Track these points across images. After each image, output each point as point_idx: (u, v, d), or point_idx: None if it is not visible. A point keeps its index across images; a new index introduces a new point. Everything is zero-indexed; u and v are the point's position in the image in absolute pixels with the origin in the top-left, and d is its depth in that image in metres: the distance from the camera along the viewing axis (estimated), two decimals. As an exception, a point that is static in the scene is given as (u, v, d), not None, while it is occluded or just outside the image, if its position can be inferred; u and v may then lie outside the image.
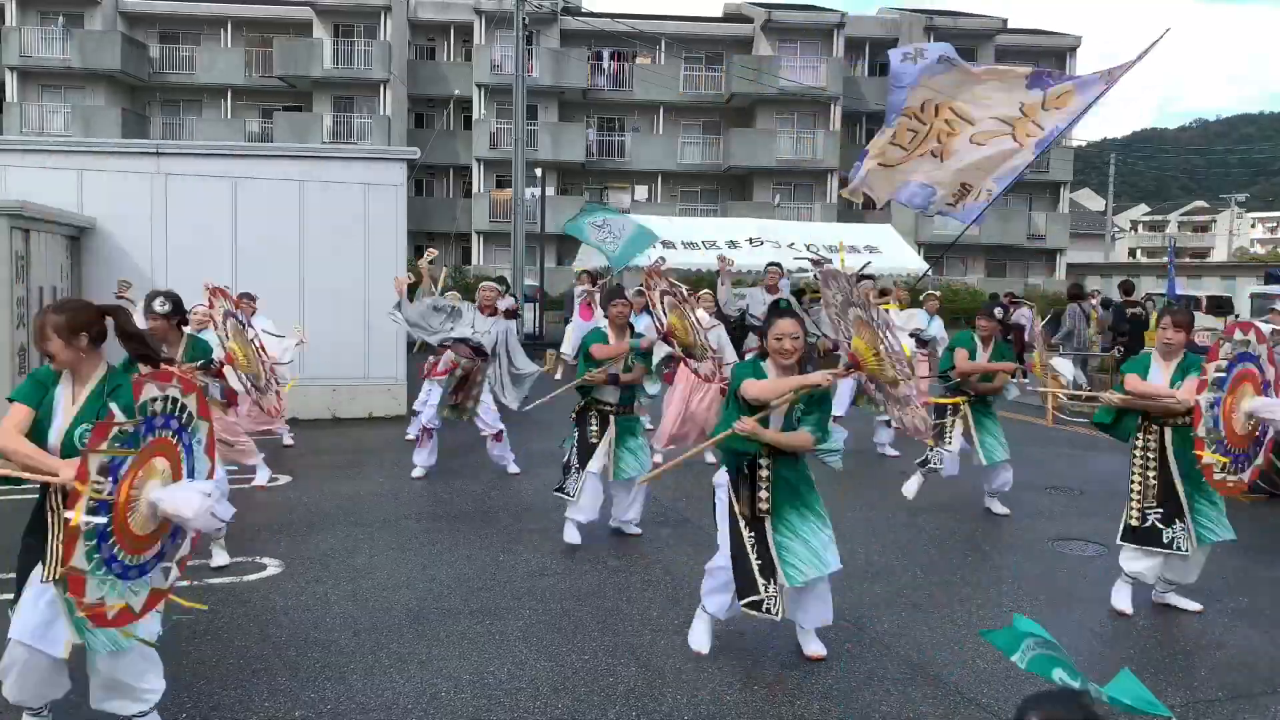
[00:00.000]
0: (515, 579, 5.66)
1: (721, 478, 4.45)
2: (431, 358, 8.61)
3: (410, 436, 10.26)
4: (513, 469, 8.70)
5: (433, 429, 8.52)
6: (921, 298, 12.04)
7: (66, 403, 3.35)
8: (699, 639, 4.58)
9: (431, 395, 8.63)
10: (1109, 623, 5.11)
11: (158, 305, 5.46)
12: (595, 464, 6.23)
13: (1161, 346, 5.21)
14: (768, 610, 4.18)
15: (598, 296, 16.59)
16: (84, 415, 3.30)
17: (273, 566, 5.84)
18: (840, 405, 9.83)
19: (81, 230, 10.65)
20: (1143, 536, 5.12)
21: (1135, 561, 5.19)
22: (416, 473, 8.48)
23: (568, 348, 16.26)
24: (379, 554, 6.16)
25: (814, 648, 4.50)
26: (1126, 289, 14.24)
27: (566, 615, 5.06)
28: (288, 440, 9.83)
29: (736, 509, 4.30)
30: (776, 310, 4.44)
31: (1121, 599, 5.27)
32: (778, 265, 11.50)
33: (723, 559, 4.37)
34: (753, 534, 4.25)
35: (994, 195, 8.48)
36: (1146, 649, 4.76)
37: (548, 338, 23.04)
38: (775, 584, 4.20)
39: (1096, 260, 46.49)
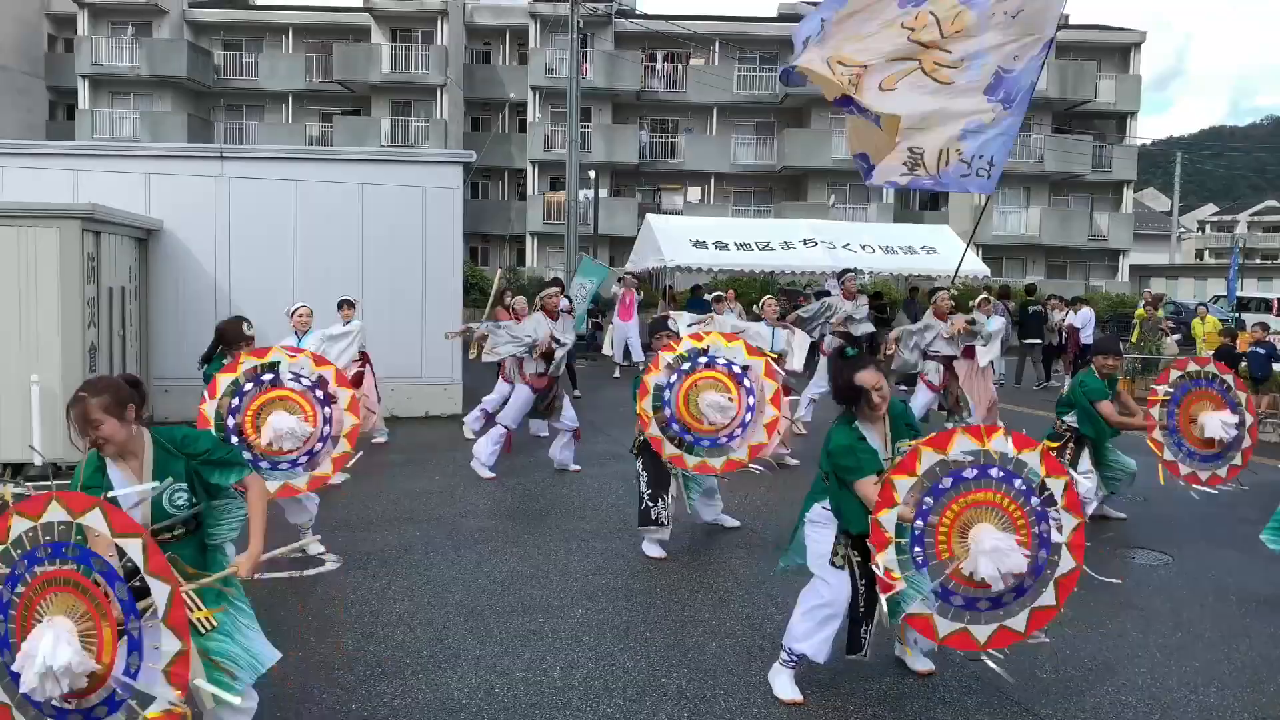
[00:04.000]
0: (568, 578, 5.70)
1: (818, 515, 4.17)
2: (512, 360, 8.71)
3: (469, 436, 10.33)
4: (573, 467, 8.78)
5: (513, 432, 8.66)
6: (974, 303, 11.82)
7: (129, 477, 3.21)
8: (789, 689, 4.08)
9: (518, 396, 8.58)
10: (1175, 634, 4.98)
11: (246, 329, 6.08)
12: (672, 489, 6.21)
13: None
14: (865, 653, 4.11)
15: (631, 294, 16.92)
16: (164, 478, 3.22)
17: (331, 562, 5.95)
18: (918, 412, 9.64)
19: (149, 232, 10.94)
20: None
21: None
22: (486, 474, 8.45)
23: (609, 349, 16.64)
24: (435, 551, 6.24)
25: (921, 664, 4.36)
26: (1029, 290, 18.26)
27: (619, 615, 5.07)
28: (380, 439, 10.07)
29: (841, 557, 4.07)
30: (850, 363, 4.02)
31: None
32: (854, 271, 11.23)
33: (827, 593, 4.02)
34: (864, 580, 4.01)
35: (984, 166, 8.00)
36: (1213, 663, 4.63)
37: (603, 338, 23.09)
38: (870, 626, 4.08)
39: (1161, 261, 45.35)
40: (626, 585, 5.58)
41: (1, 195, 10.76)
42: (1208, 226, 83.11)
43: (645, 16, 33.82)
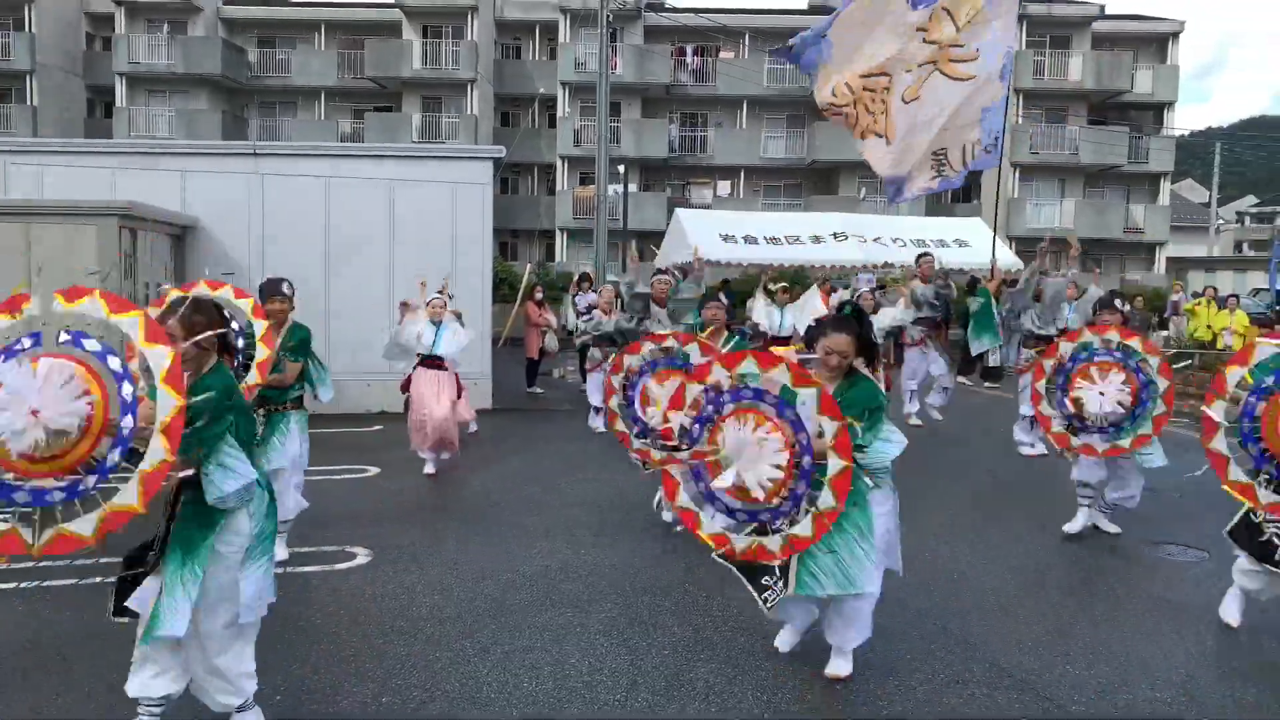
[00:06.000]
0: (597, 572, 5.72)
1: None
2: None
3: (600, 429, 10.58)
4: None
5: None
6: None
7: None
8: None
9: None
10: (1208, 632, 4.91)
11: (286, 289, 5.90)
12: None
13: None
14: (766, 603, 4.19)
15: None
16: None
17: (362, 556, 6.01)
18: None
19: (185, 229, 11.09)
20: (1258, 549, 4.73)
21: (1251, 579, 4.85)
22: None
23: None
24: (465, 545, 6.28)
25: (835, 666, 4.23)
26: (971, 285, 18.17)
27: (647, 609, 5.08)
28: (473, 427, 9.92)
29: None
30: (834, 321, 4.19)
31: (1231, 610, 4.96)
32: (930, 255, 10.73)
33: None
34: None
35: (990, 142, 8.13)
36: (1250, 660, 4.57)
37: None
38: (783, 584, 4.12)
39: (1199, 254, 44.58)
40: (654, 580, 5.59)
41: (41, 193, 10.94)
42: (1247, 218, 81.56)
43: (675, 10, 33.71)
